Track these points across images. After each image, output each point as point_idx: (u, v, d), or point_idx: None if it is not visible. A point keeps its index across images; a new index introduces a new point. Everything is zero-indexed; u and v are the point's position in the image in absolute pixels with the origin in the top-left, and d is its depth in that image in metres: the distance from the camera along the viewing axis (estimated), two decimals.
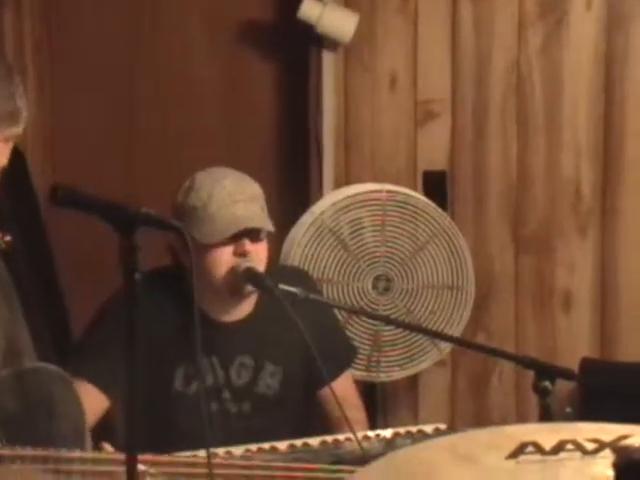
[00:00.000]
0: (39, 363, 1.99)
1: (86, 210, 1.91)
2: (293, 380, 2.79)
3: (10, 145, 2.08)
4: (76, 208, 1.91)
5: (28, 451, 1.75)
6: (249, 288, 2.66)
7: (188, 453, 2.18)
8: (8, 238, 2.12)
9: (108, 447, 2.10)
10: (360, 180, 3.51)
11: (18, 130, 2.08)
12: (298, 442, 2.43)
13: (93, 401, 2.52)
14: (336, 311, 3.19)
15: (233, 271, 2.64)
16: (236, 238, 2.64)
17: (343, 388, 2.77)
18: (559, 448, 1.38)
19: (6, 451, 1.76)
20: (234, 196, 2.64)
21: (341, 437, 2.45)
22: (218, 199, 2.63)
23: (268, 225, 2.67)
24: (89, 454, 1.84)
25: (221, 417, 2.70)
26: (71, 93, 3.83)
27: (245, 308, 2.75)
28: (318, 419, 2.84)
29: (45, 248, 3.46)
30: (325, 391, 2.78)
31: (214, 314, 2.70)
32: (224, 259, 2.64)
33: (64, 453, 1.78)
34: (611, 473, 1.26)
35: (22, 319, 2.21)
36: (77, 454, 1.78)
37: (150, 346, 2.57)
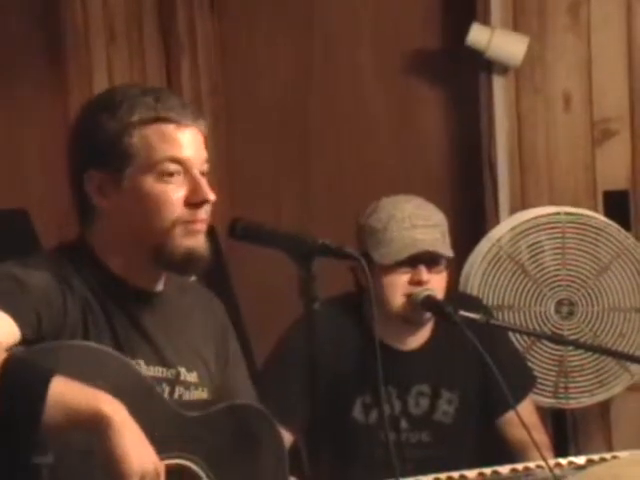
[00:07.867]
0: (247, 401, 2.01)
1: (264, 242, 1.94)
2: (470, 407, 2.76)
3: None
4: (255, 241, 1.95)
5: None
6: (427, 315, 2.64)
7: None
8: (193, 279, 2.15)
9: None
10: (537, 203, 3.45)
11: None
12: (487, 470, 2.39)
13: None
14: (519, 337, 3.14)
15: (410, 299, 2.62)
16: (413, 264, 2.62)
17: (528, 413, 2.71)
18: None
19: None
20: (414, 220, 2.63)
21: (532, 465, 2.40)
22: (398, 221, 2.62)
23: (447, 251, 2.64)
24: None
25: (398, 447, 2.66)
26: (246, 133, 3.91)
27: (422, 336, 2.72)
28: (498, 444, 2.78)
29: (226, 281, 3.52)
30: (506, 417, 2.74)
31: (391, 342, 2.69)
32: (400, 284, 2.62)
33: None
34: None
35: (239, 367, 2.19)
36: None
37: (328, 376, 2.56)
